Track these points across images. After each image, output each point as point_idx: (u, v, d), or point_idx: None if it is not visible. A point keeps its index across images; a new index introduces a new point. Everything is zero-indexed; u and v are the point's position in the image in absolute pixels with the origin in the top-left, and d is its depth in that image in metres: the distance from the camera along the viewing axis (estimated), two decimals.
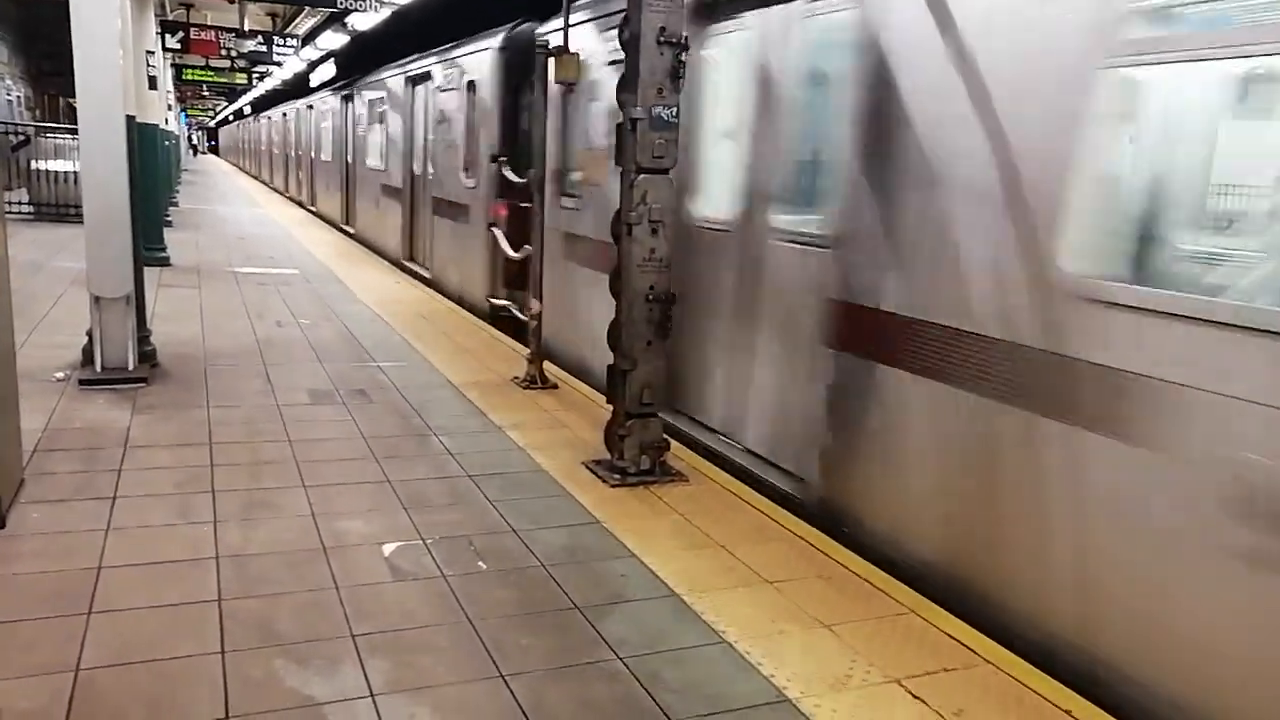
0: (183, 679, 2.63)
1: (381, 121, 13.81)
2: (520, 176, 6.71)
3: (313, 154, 21.42)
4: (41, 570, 3.21)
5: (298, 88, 24.23)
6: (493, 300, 8.20)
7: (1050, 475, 3.06)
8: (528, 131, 7.15)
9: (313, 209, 21.10)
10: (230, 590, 3.15)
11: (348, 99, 16.53)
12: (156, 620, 2.93)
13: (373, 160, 14.51)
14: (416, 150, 11.99)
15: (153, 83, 10.15)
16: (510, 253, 6.96)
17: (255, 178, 36.46)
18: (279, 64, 18.23)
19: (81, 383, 5.50)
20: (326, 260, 12.52)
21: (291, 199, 24.87)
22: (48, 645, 2.75)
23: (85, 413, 5.02)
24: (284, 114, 27.06)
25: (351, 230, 16.34)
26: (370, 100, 14.58)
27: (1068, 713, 2.74)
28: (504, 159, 7.24)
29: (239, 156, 49.01)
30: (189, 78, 22.67)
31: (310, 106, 21.51)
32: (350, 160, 16.73)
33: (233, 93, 34.51)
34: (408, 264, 12.16)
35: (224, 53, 15.34)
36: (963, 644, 3.10)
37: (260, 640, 2.85)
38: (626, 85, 4.29)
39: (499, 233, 7.36)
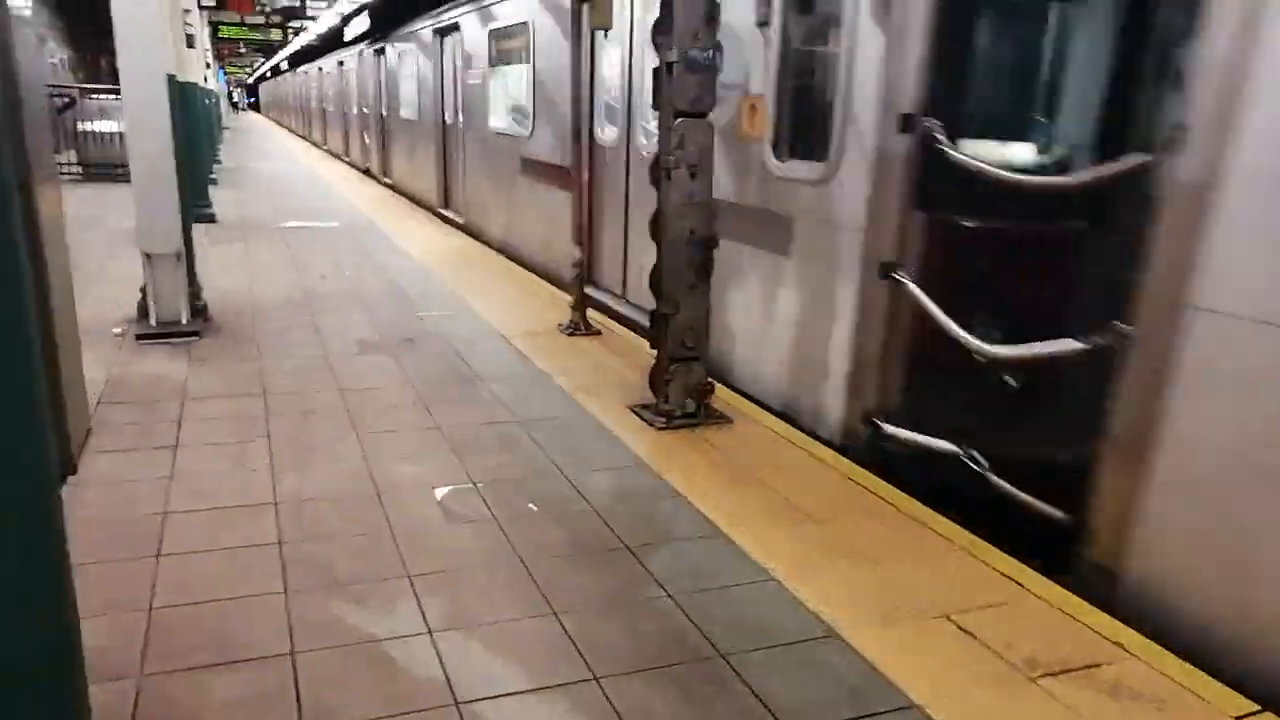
0: (248, 617, 2.73)
1: (511, 62, 9.23)
2: (1022, 170, 3.65)
3: (384, 110, 17.09)
4: (112, 516, 3.34)
5: (359, 33, 22.26)
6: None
7: None
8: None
9: (386, 181, 16.93)
10: (289, 534, 3.26)
11: (444, 34, 12.06)
12: (221, 562, 3.04)
13: (498, 121, 9.83)
14: (603, 106, 7.15)
15: (190, 41, 10.21)
16: (976, 345, 3.49)
17: (304, 138, 32.97)
18: (313, 18, 18.24)
19: (138, 337, 5.64)
20: (368, 212, 12.60)
21: (355, 167, 20.67)
22: (121, 586, 2.87)
23: (143, 365, 5.16)
24: (340, 63, 22.56)
25: (457, 218, 11.86)
26: (493, 31, 9.73)
27: (1119, 645, 2.74)
28: (935, 125, 3.65)
29: (283, 114, 44.59)
30: (225, 35, 22.78)
31: (379, 51, 16.84)
32: (449, 120, 12.20)
33: (269, 49, 34.61)
34: (595, 294, 7.09)
35: (259, 9, 15.38)
36: (1011, 579, 3.11)
37: (320, 581, 2.95)
38: (661, 28, 4.23)
39: (917, 289, 3.77)
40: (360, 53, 18.82)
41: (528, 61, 8.47)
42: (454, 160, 12.05)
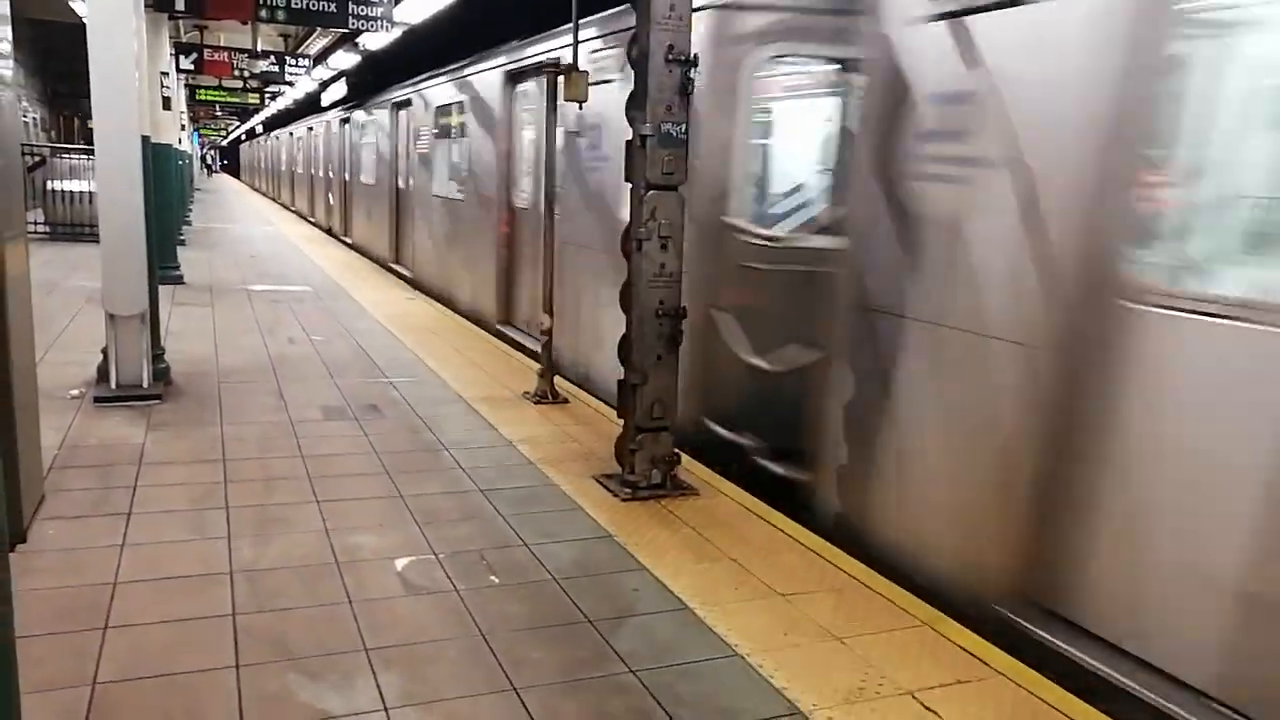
0: (197, 693, 2.64)
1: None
2: None
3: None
4: (59, 585, 3.24)
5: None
6: None
7: None
8: None
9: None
10: (244, 605, 3.17)
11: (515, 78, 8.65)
12: (171, 635, 2.95)
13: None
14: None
15: (167, 104, 10.27)
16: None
17: (301, 215, 26.37)
18: (291, 84, 18.43)
19: (97, 400, 5.55)
20: (337, 276, 12.59)
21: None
22: (64, 659, 2.77)
23: (101, 430, 5.06)
24: (367, 114, 16.21)
25: None
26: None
27: None
28: None
29: (269, 183, 36.64)
30: (202, 98, 22.93)
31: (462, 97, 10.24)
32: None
33: (245, 112, 34.83)
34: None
35: (237, 73, 15.53)
36: (976, 656, 3.09)
37: (274, 654, 2.87)
38: (635, 102, 4.32)
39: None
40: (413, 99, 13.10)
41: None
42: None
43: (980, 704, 2.81)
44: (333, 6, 9.38)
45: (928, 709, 2.77)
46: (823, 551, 3.90)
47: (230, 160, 72.78)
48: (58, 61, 22.73)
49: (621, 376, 4.53)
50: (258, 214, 26.27)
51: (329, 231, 20.42)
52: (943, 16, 3.51)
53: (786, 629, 3.22)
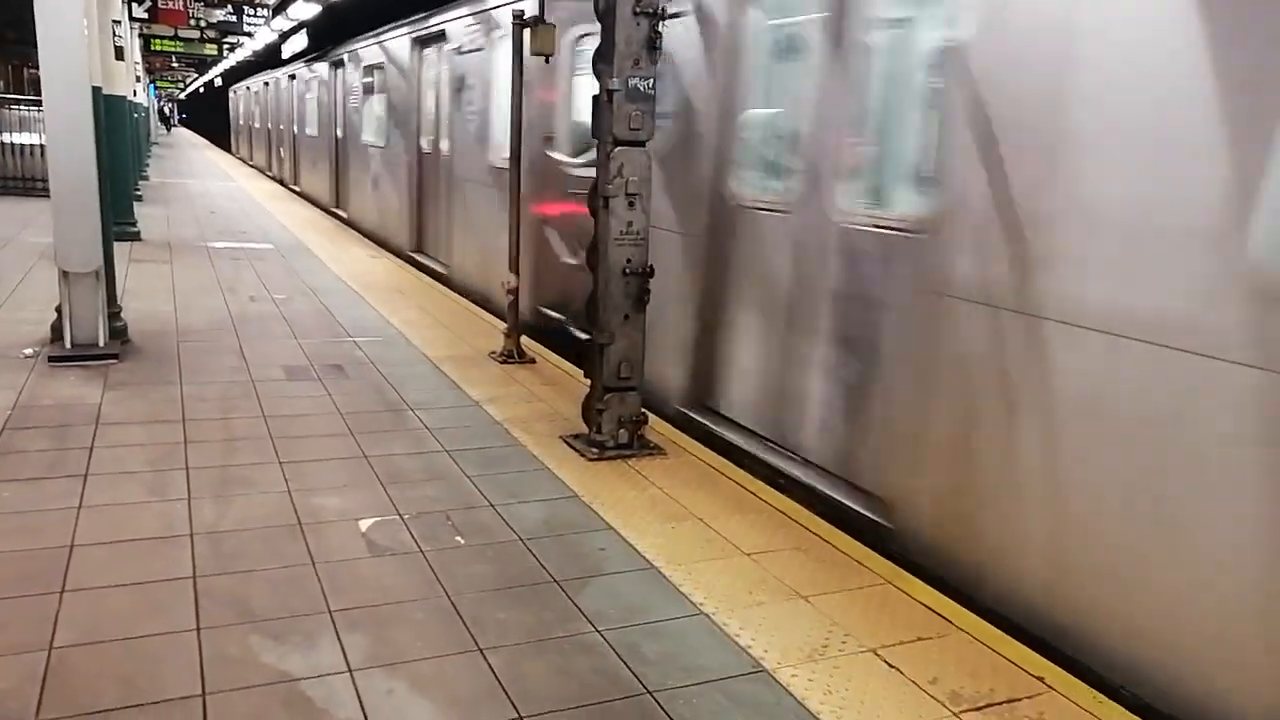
0: (158, 656, 2.61)
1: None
2: None
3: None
4: (13, 549, 3.17)
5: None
6: None
7: None
8: None
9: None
10: (205, 567, 3.13)
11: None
12: (130, 598, 2.91)
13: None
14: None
15: (119, 53, 9.96)
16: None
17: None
18: (250, 34, 17.99)
19: (51, 359, 5.42)
20: (299, 233, 12.37)
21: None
22: (20, 624, 2.72)
23: (56, 389, 4.95)
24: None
25: None
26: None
27: (1040, 679, 2.78)
28: None
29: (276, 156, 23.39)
30: (157, 48, 22.29)
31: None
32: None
33: (203, 64, 33.92)
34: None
35: (193, 23, 15.11)
36: (938, 613, 3.13)
37: (236, 617, 2.84)
38: (603, 56, 4.24)
39: None
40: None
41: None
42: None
43: (941, 660, 2.85)
44: None
45: (890, 665, 2.81)
46: (789, 511, 3.93)
47: (190, 114, 70.75)
48: (4, 8, 21.93)
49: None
50: (217, 169, 25.70)
51: (281, 182, 20.74)
52: None
53: (751, 588, 3.24)
